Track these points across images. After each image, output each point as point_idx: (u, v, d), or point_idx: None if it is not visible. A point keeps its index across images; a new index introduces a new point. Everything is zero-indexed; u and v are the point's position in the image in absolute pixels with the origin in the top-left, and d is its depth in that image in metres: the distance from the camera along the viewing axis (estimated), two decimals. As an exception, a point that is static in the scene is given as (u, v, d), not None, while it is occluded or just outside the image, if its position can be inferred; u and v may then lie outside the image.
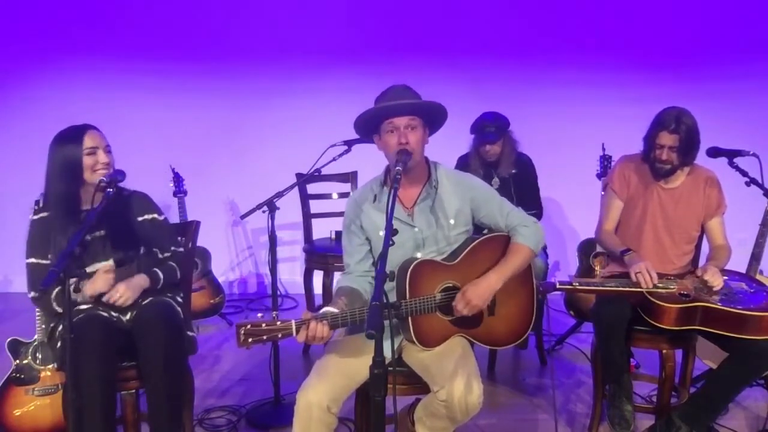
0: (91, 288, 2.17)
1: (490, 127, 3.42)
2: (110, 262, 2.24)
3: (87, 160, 2.21)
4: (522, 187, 3.52)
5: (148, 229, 2.36)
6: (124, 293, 2.17)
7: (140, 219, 2.35)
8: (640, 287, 2.36)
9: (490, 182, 3.51)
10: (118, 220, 2.29)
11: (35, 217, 2.26)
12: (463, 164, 3.59)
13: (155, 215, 2.39)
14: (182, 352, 2.30)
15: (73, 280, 2.08)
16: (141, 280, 2.25)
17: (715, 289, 2.37)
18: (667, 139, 2.51)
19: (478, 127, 3.48)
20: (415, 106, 2.08)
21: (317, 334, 1.86)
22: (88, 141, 2.22)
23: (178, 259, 2.41)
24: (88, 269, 2.24)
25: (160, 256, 2.37)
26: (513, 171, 3.51)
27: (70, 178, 2.21)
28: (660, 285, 2.38)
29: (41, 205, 2.27)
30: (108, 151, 2.27)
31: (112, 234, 2.27)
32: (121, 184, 2.28)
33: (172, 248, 2.41)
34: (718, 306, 2.28)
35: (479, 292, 2.03)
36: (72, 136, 2.22)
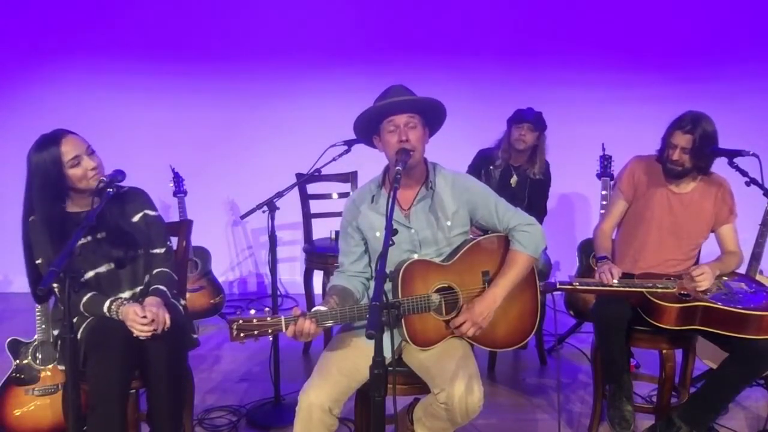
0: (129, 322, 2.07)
1: (528, 114, 3.45)
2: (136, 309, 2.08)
3: (75, 172, 2.10)
4: (537, 193, 3.53)
5: (142, 226, 2.30)
6: (163, 318, 2.08)
7: (135, 219, 2.30)
8: (605, 285, 2.39)
9: (508, 180, 3.50)
10: (116, 221, 2.23)
11: (31, 219, 2.17)
12: (484, 157, 3.57)
13: (147, 211, 2.31)
14: (184, 353, 2.29)
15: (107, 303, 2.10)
16: (155, 301, 2.16)
17: (699, 288, 2.36)
18: (680, 138, 2.49)
19: (516, 114, 3.48)
20: (415, 102, 2.09)
21: (304, 331, 1.90)
22: (68, 151, 2.07)
23: (170, 256, 2.35)
24: (90, 273, 2.18)
25: (152, 251, 2.31)
26: (539, 177, 3.50)
27: (53, 194, 2.11)
28: (660, 285, 2.38)
29: (25, 213, 2.17)
30: (91, 152, 2.14)
31: (109, 235, 2.22)
32: (138, 185, 2.27)
33: (168, 244, 2.36)
34: (719, 306, 2.28)
35: (482, 313, 2.05)
36: (48, 148, 2.07)
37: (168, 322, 2.09)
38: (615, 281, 2.40)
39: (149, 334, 2.04)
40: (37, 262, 2.17)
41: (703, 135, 2.46)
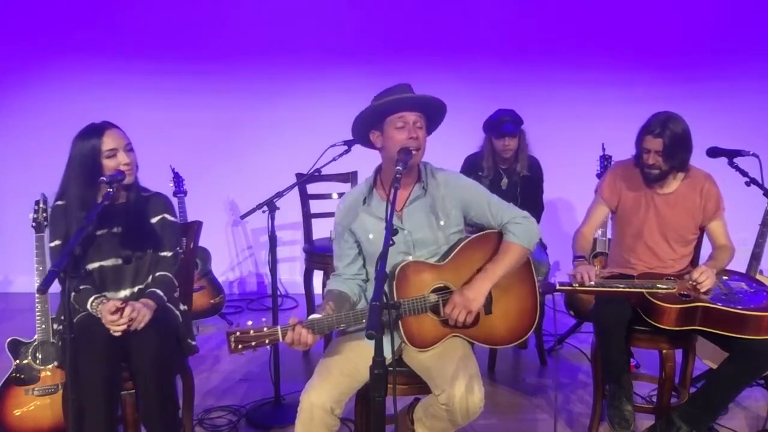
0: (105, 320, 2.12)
1: (507, 120, 3.38)
2: (115, 303, 2.13)
3: (108, 163, 2.20)
4: (528, 190, 3.51)
5: (158, 228, 2.36)
6: (142, 315, 2.12)
7: (154, 220, 2.36)
8: (605, 285, 2.37)
9: (499, 183, 3.49)
10: (135, 220, 2.30)
11: (56, 203, 2.26)
12: (472, 163, 3.57)
13: (167, 215, 2.38)
14: (174, 356, 2.28)
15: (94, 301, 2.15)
16: (148, 303, 2.19)
17: (702, 290, 2.36)
18: (651, 143, 2.49)
19: (495, 121, 3.42)
20: (428, 101, 2.08)
21: (302, 339, 1.90)
22: (108, 142, 2.20)
23: (176, 261, 2.39)
24: (95, 264, 2.24)
25: (161, 253, 2.36)
26: (525, 173, 3.48)
27: (87, 180, 2.20)
28: (660, 285, 2.38)
29: (56, 196, 2.27)
30: (129, 149, 2.25)
31: (125, 232, 2.28)
32: (142, 185, 2.34)
33: (177, 248, 2.40)
34: (719, 306, 2.28)
35: (470, 297, 2.02)
36: (91, 137, 2.20)
37: (143, 323, 2.11)
38: (592, 282, 2.37)
39: (123, 327, 2.08)
40: (51, 245, 2.25)
41: (672, 136, 2.45)
